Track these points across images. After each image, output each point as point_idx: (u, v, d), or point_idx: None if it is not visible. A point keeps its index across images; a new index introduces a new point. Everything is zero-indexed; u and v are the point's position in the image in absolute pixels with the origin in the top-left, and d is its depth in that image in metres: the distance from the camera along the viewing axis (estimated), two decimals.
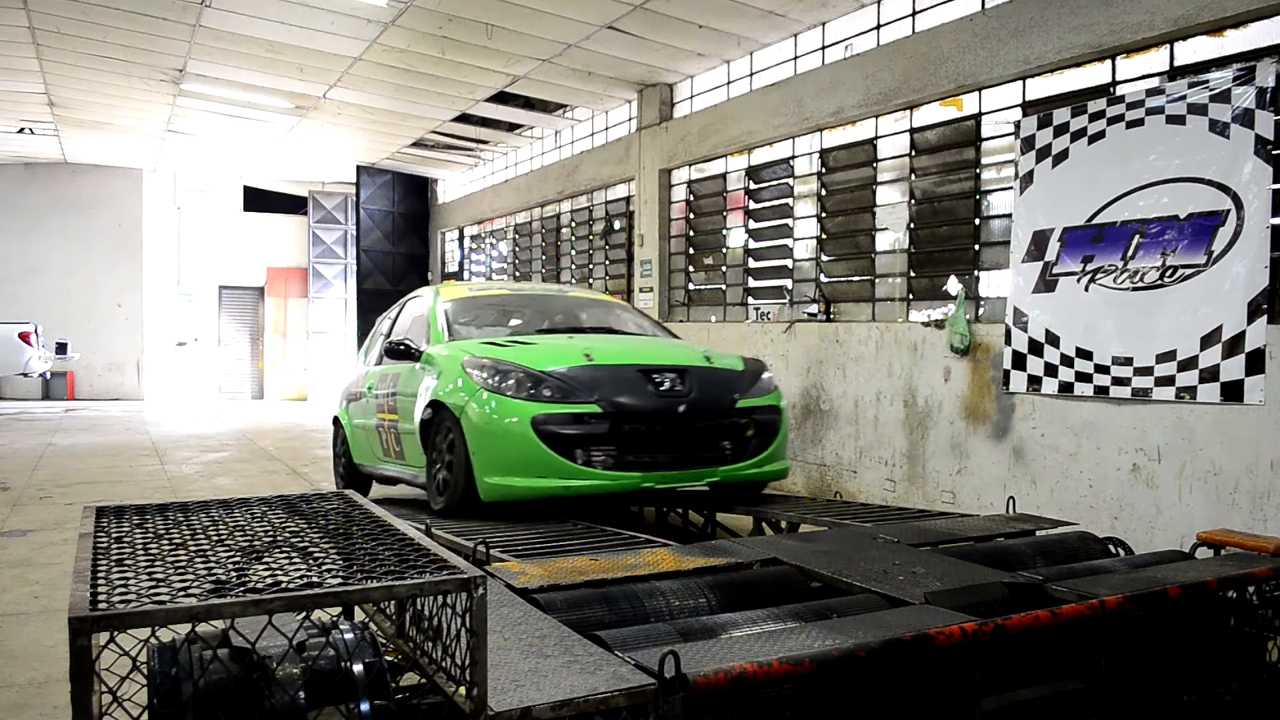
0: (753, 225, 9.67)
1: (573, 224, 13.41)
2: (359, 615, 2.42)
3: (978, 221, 7.24)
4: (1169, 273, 5.64)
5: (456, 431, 4.69)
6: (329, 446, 12.18)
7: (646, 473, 4.53)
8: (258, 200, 20.00)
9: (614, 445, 4.52)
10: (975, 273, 7.24)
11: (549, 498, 4.53)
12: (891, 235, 8.04)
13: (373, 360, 6.74)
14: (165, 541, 2.29)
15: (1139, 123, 5.84)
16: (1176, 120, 5.64)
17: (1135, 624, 2.82)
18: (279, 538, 2.33)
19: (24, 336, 15.87)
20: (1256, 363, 5.23)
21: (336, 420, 7.34)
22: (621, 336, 5.85)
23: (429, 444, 5.12)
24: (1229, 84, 5.38)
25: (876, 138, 8.16)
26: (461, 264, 17.06)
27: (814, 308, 8.64)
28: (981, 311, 7.16)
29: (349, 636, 2.01)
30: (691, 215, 10.68)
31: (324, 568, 2.03)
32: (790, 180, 9.15)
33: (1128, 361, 5.86)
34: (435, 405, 4.99)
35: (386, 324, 6.86)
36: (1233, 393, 5.32)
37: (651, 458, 4.58)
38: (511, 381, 4.57)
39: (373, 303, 16.76)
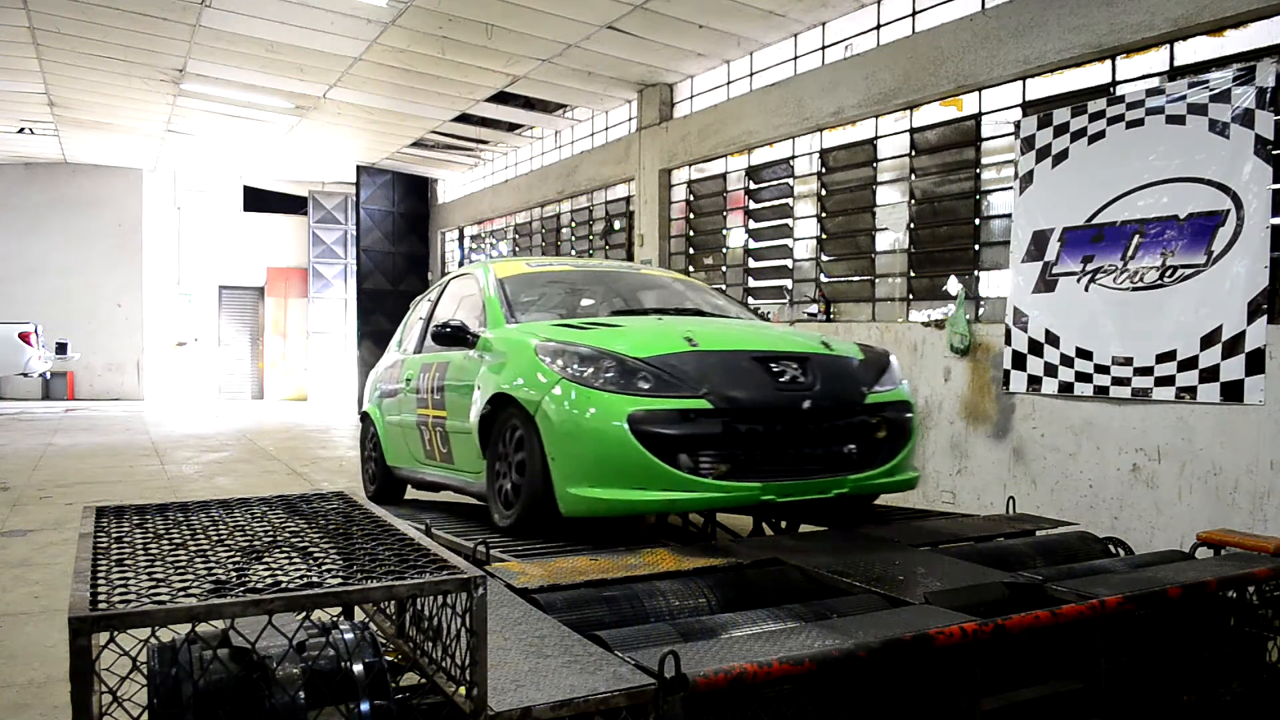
0: (753, 225, 9.68)
1: (573, 224, 13.41)
2: (359, 615, 2.42)
3: (978, 221, 7.24)
4: (1169, 273, 5.64)
5: (528, 431, 3.91)
6: (329, 447, 12.21)
7: (766, 482, 3.71)
8: (258, 200, 20.01)
9: (729, 449, 3.71)
10: (975, 273, 7.24)
11: (643, 513, 3.72)
12: (891, 235, 8.04)
13: (410, 347, 5.90)
14: (165, 541, 2.29)
15: (1139, 123, 5.85)
16: (1176, 120, 5.64)
17: (1135, 624, 2.82)
18: (279, 538, 2.33)
19: (24, 336, 15.88)
20: (1256, 363, 5.23)
21: (365, 416, 6.42)
22: (718, 319, 5.00)
23: (489, 446, 4.32)
24: (1229, 84, 5.38)
25: (876, 138, 8.16)
26: (461, 264, 17.06)
27: (814, 308, 8.65)
28: (981, 311, 7.16)
29: (349, 636, 2.01)
30: (691, 215, 10.68)
31: (324, 568, 2.03)
32: (790, 180, 9.15)
33: (1128, 361, 5.86)
34: (499, 400, 4.18)
35: (425, 306, 5.98)
36: (1233, 393, 5.32)
37: (771, 464, 3.80)
38: (600, 371, 3.77)
39: (373, 303, 16.77)
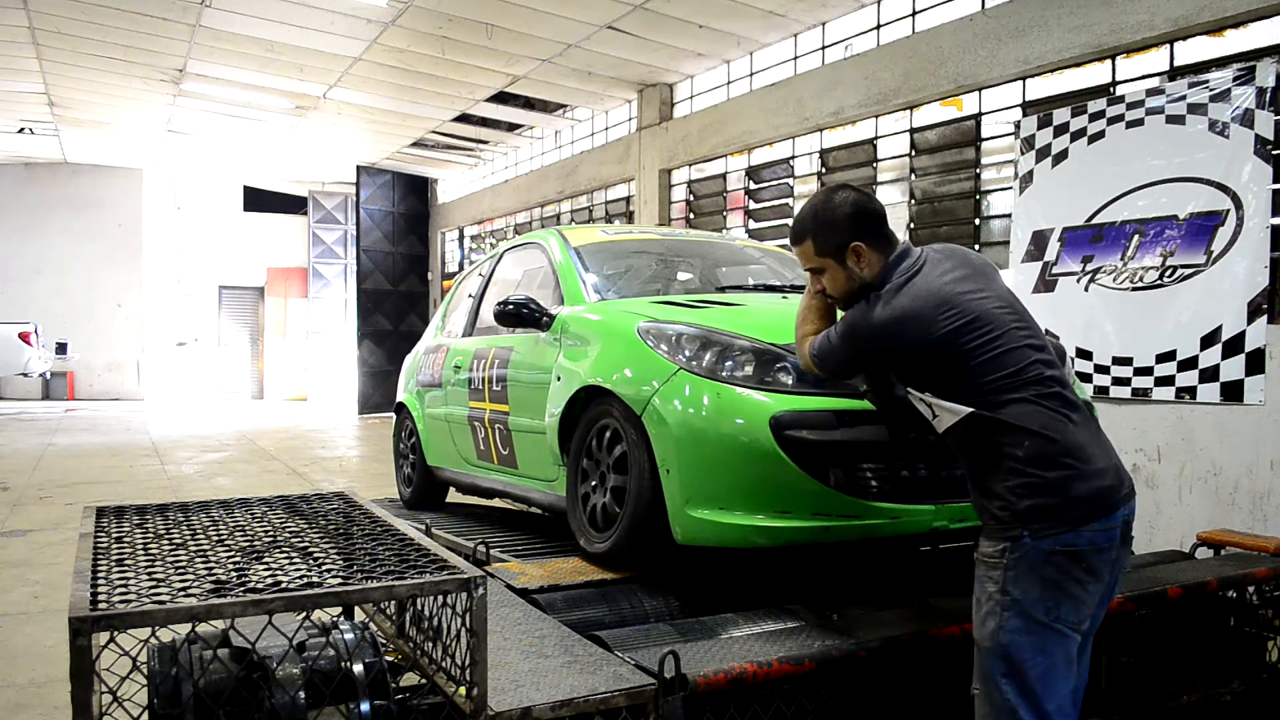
0: (753, 225, 9.68)
1: (573, 223, 13.41)
2: (359, 615, 2.42)
3: (978, 221, 7.24)
4: (1169, 273, 5.64)
5: (631, 435, 3.12)
6: (329, 446, 12.19)
7: (940, 504, 2.81)
8: (258, 200, 20.01)
9: (896, 461, 2.86)
10: None
11: (786, 545, 2.81)
12: None
13: (458, 329, 5.07)
14: (165, 541, 2.28)
15: (1139, 123, 5.85)
16: (1176, 120, 5.64)
17: (1135, 624, 2.82)
18: (279, 538, 2.33)
19: (24, 336, 15.88)
20: (1256, 363, 5.23)
21: (401, 407, 5.50)
22: None
23: (571, 450, 3.50)
24: (1229, 84, 5.38)
25: (876, 138, 8.17)
26: (461, 264, 17.06)
27: None
28: None
29: (349, 636, 2.01)
30: (691, 215, 10.68)
31: (324, 568, 2.02)
32: (790, 180, 9.16)
33: (1127, 361, 5.86)
34: (589, 394, 3.38)
35: (475, 281, 5.10)
36: (1233, 393, 5.32)
37: (942, 481, 2.88)
38: (730, 360, 2.96)
39: (373, 303, 16.78)
